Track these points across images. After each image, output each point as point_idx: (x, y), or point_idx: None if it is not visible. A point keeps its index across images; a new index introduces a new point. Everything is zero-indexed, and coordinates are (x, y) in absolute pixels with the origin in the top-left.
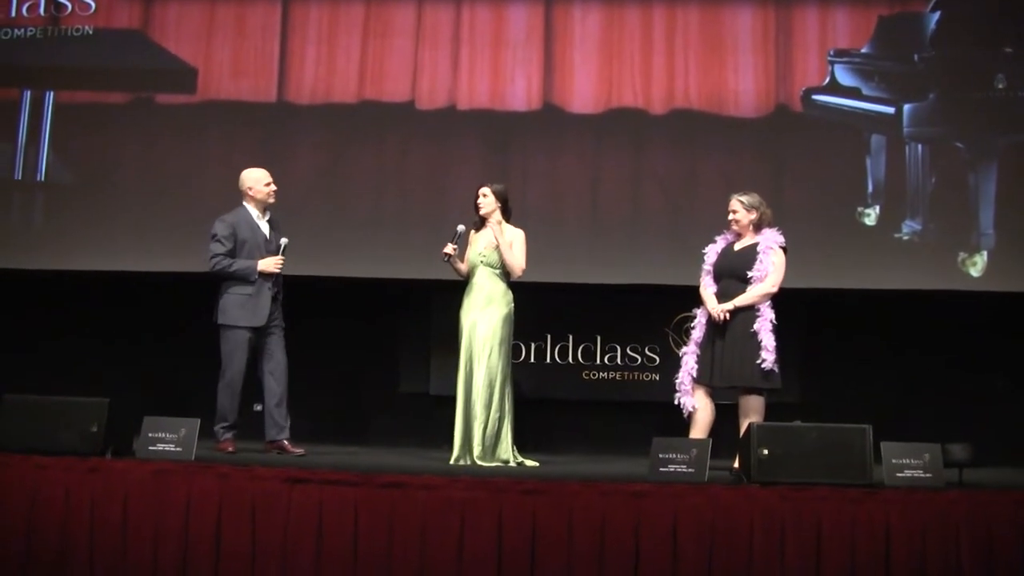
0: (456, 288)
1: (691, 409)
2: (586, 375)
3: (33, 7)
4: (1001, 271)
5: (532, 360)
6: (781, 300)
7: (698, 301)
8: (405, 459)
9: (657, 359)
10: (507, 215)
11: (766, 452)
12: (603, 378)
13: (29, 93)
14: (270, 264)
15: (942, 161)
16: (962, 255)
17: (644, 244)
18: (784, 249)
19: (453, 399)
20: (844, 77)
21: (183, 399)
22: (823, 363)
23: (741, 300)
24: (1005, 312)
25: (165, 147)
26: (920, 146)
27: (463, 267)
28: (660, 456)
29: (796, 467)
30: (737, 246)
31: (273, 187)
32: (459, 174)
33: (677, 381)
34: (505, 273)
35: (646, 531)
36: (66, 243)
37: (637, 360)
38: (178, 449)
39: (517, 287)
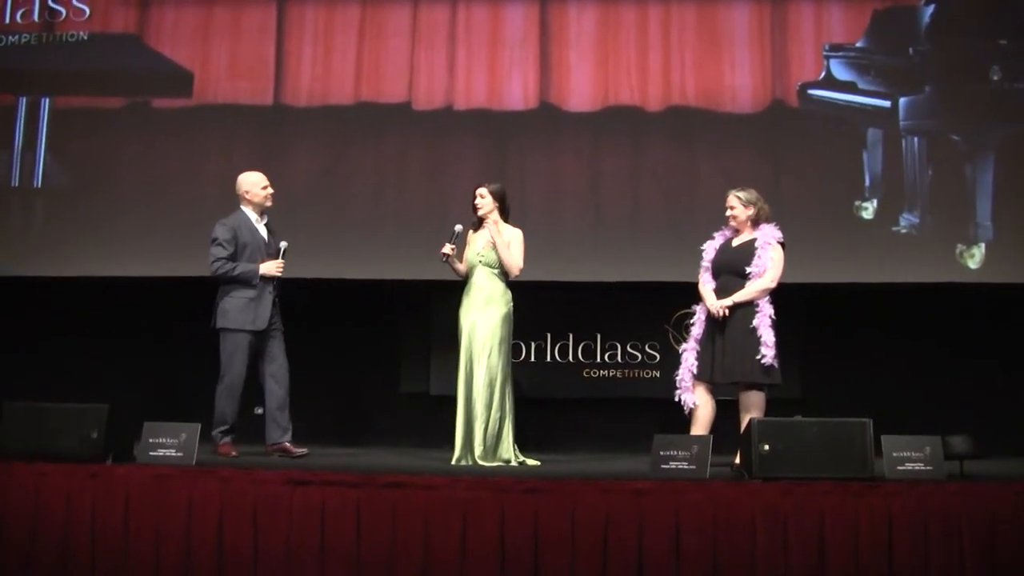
0: (456, 288)
1: (692, 406)
2: (586, 373)
3: (28, 13)
4: (999, 263)
5: (532, 359)
6: (780, 295)
7: (697, 298)
8: (406, 459)
9: (657, 356)
10: (505, 215)
11: (767, 447)
12: (603, 376)
13: (25, 99)
14: (272, 267)
15: (939, 154)
16: (960, 247)
17: (642, 241)
18: (782, 244)
19: (454, 399)
20: (840, 71)
21: (183, 403)
22: (823, 357)
23: (740, 296)
24: (1004, 304)
25: (162, 151)
26: (916, 139)
27: (462, 267)
28: (661, 453)
29: (797, 462)
30: (735, 242)
31: (270, 190)
32: (457, 174)
33: (677, 378)
34: (504, 272)
35: (649, 528)
36: (65, 248)
37: (637, 357)
38: (179, 454)
39: (516, 286)
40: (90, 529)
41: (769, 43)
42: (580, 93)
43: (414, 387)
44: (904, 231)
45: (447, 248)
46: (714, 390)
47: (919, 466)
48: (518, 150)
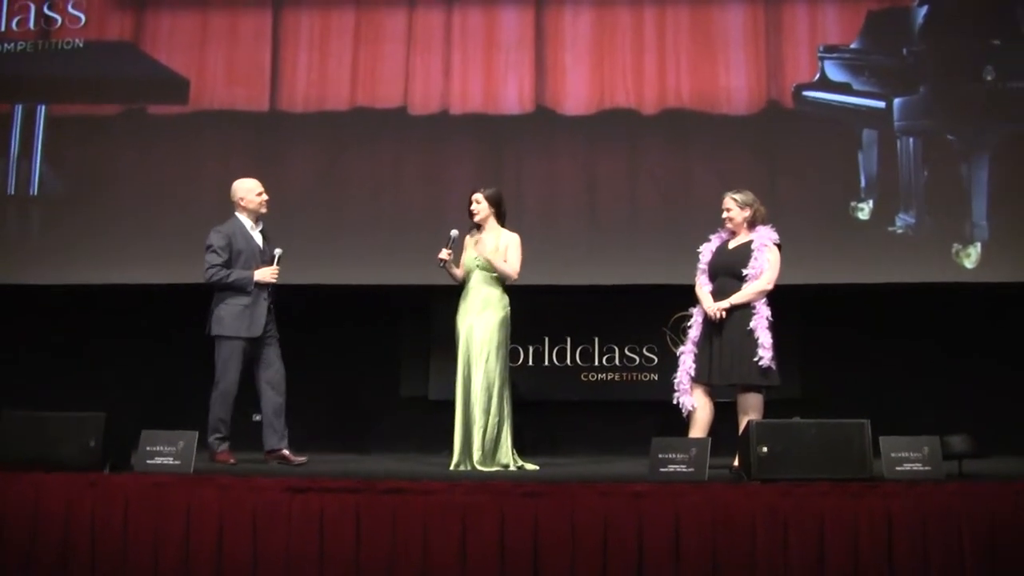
0: (454, 292)
1: (690, 408)
2: (584, 376)
3: (23, 21)
4: (995, 262)
5: (530, 363)
6: (777, 296)
7: (694, 300)
8: (405, 464)
9: (655, 359)
10: (501, 219)
11: (765, 449)
12: (601, 379)
13: (21, 107)
14: (267, 274)
15: (934, 154)
16: (956, 247)
17: (639, 244)
18: (779, 246)
19: (452, 404)
20: (834, 72)
21: (180, 411)
22: (821, 358)
23: (737, 298)
24: (1000, 303)
25: (159, 158)
26: (912, 139)
27: (459, 272)
28: (660, 456)
29: (796, 463)
30: (732, 244)
31: (265, 197)
32: (454, 178)
33: (675, 381)
34: (500, 277)
35: (648, 531)
36: (61, 256)
37: (635, 360)
38: (177, 462)
39: (513, 290)
40: (89, 538)
41: (764, 45)
42: (576, 96)
43: (413, 392)
44: (900, 231)
45: (444, 254)
46: (712, 392)
47: (918, 466)
48: (514, 154)
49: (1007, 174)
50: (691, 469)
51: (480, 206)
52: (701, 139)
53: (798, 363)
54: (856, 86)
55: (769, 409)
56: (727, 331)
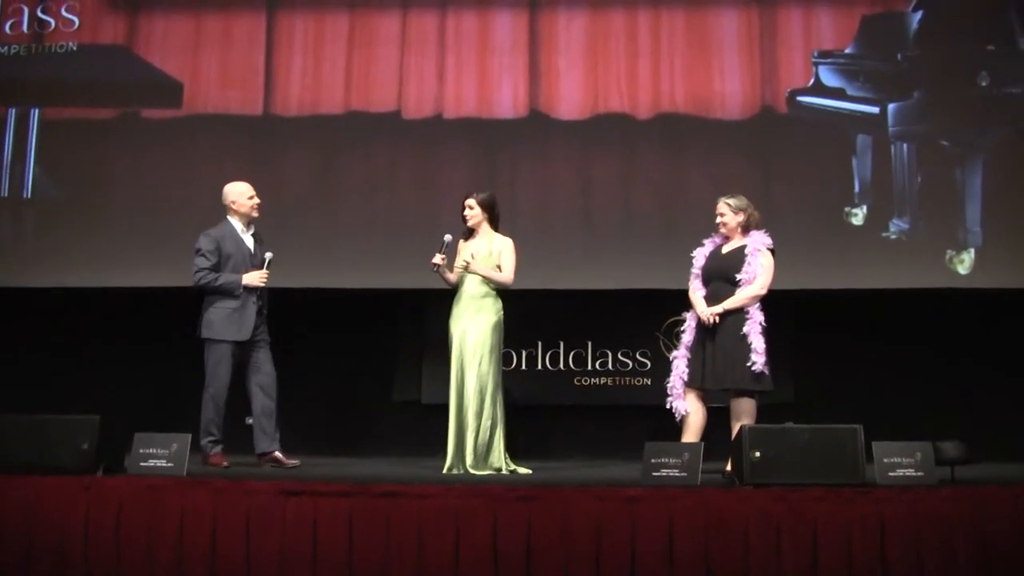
0: (447, 296)
1: (683, 413)
2: (577, 381)
3: (16, 24)
4: (989, 268)
5: (523, 367)
6: (770, 301)
7: (688, 305)
8: (399, 468)
9: (648, 363)
10: (495, 223)
11: (758, 454)
12: (594, 383)
13: (14, 110)
14: (255, 278)
15: (928, 159)
16: (950, 253)
17: (633, 248)
18: (772, 251)
19: (445, 407)
20: (828, 78)
21: (176, 414)
22: (814, 363)
23: (730, 303)
24: (994, 309)
25: (152, 162)
26: (906, 145)
27: (452, 276)
28: (652, 460)
29: (788, 468)
30: (725, 249)
31: (256, 200)
32: (448, 182)
33: (668, 385)
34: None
35: (641, 535)
36: (54, 259)
37: (628, 365)
38: (170, 465)
39: (506, 294)
40: (83, 541)
41: (758, 49)
42: (570, 100)
43: (406, 395)
44: (894, 237)
45: (437, 258)
46: (705, 397)
47: (910, 472)
48: (508, 158)
49: (1002, 180)
50: (684, 474)
51: (473, 211)
52: (695, 144)
53: (791, 368)
54: (850, 91)
55: (762, 414)
56: (720, 336)
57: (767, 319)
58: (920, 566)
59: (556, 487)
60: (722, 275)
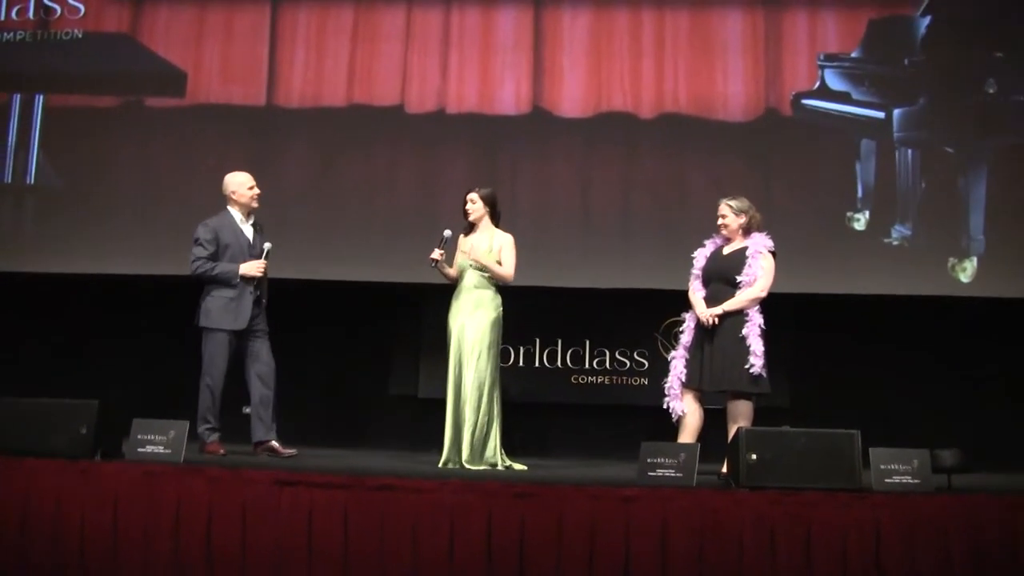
0: (446, 291)
1: (680, 413)
2: (575, 379)
3: (22, 11)
4: (991, 276)
5: (521, 364)
6: (770, 304)
7: (687, 305)
8: (395, 462)
9: (646, 363)
10: (496, 219)
11: (754, 457)
12: (592, 382)
13: (19, 97)
14: (252, 268)
15: (932, 166)
16: (952, 260)
17: (633, 248)
18: (773, 253)
19: (442, 402)
20: (834, 81)
21: (172, 401)
22: (812, 367)
23: (730, 305)
24: (995, 317)
25: (155, 151)
26: (910, 151)
27: (451, 272)
28: (648, 460)
29: (785, 472)
30: (726, 250)
31: (256, 191)
32: (449, 178)
33: (666, 385)
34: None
35: (636, 535)
36: (56, 246)
37: (626, 364)
38: (167, 451)
39: (506, 290)
40: (79, 526)
41: (763, 52)
42: (572, 99)
43: (403, 390)
44: (896, 243)
45: (436, 254)
46: (703, 398)
47: (907, 479)
48: (510, 154)
49: (1005, 188)
50: (679, 474)
51: (475, 206)
52: (698, 144)
53: (790, 371)
54: (855, 95)
55: (759, 417)
56: (719, 337)
57: (767, 322)
58: (915, 573)
59: (551, 485)
60: (722, 276)
